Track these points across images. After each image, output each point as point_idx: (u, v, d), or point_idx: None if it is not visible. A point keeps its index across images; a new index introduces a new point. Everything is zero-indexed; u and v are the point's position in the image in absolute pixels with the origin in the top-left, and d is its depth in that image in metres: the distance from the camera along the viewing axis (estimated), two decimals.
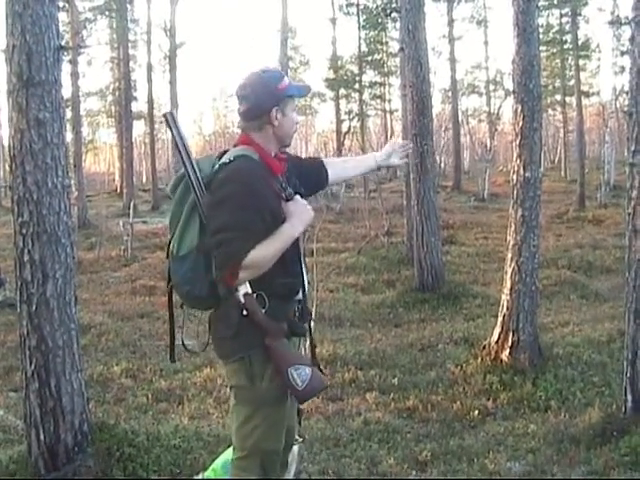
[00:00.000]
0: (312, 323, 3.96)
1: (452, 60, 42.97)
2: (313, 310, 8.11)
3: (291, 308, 3.72)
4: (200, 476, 4.75)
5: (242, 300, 3.49)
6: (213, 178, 3.56)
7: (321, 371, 3.78)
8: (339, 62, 50.13)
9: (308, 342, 4.09)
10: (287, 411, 3.75)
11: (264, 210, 3.51)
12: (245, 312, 3.49)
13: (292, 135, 3.84)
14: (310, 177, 4.08)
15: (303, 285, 3.82)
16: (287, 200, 3.65)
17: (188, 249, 3.55)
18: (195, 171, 3.56)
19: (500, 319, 8.22)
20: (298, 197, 3.69)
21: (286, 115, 3.73)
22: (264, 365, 3.57)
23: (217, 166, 3.62)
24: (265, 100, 3.67)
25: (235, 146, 3.76)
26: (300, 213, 3.63)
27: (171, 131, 3.60)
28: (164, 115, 3.66)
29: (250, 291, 3.50)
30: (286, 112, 3.72)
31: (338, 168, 4.34)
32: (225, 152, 3.78)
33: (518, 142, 8.06)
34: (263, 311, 3.51)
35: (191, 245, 3.54)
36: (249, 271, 3.44)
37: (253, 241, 3.42)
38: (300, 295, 3.78)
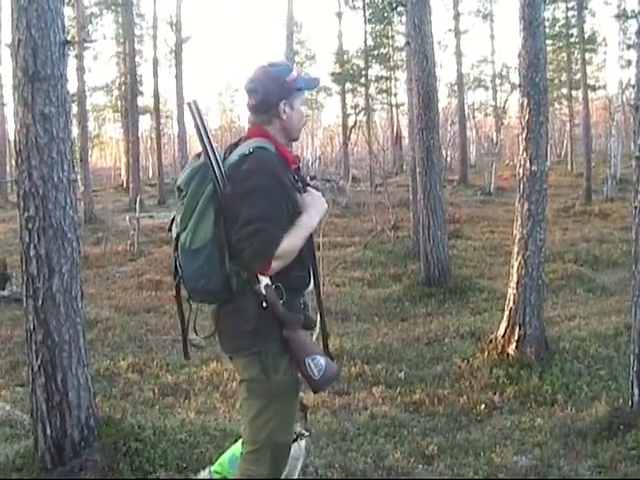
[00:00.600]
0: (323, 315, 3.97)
1: (458, 54, 42.91)
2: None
3: (299, 300, 3.73)
4: (207, 470, 4.76)
5: (264, 292, 3.49)
6: (234, 169, 3.55)
7: (332, 361, 3.78)
8: (345, 56, 50.18)
9: (316, 334, 4.10)
10: (298, 403, 3.77)
11: (287, 201, 3.54)
12: (265, 304, 3.49)
13: (300, 129, 3.85)
14: None
15: (316, 278, 3.84)
16: (301, 192, 3.67)
17: (202, 242, 3.51)
18: (218, 160, 3.55)
19: (506, 313, 8.21)
20: (312, 189, 3.72)
21: (294, 108, 3.73)
22: (279, 358, 3.58)
23: (237, 157, 3.59)
24: (273, 93, 3.67)
25: (248, 139, 3.73)
26: (316, 204, 3.67)
27: (194, 119, 3.59)
28: (188, 103, 3.66)
29: (270, 283, 3.50)
30: (294, 105, 3.72)
31: None
32: (236, 144, 3.77)
33: (524, 136, 8.04)
34: (281, 303, 3.52)
35: (205, 238, 3.51)
36: (281, 260, 3.46)
37: (283, 231, 3.45)
38: (310, 288, 3.79)
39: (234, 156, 3.61)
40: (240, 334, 3.63)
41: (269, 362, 3.57)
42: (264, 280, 3.49)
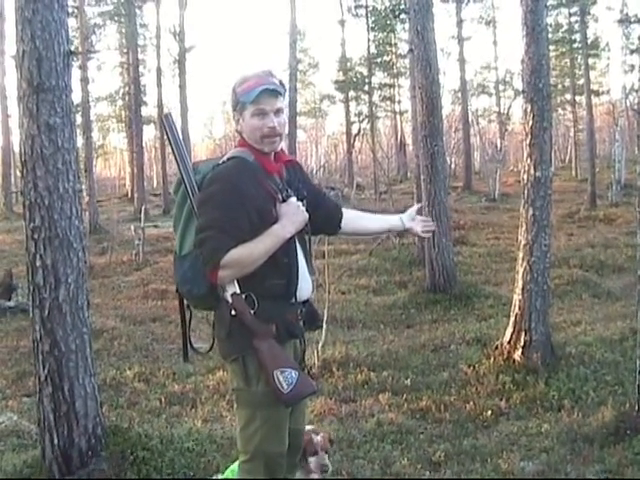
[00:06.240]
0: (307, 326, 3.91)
1: (461, 61, 42.92)
2: (325, 312, 8.13)
3: (290, 310, 3.68)
4: (214, 478, 4.77)
5: (230, 300, 3.50)
6: (206, 180, 3.59)
7: (310, 376, 3.76)
8: (348, 64, 50.37)
9: (321, 344, 4.08)
10: (288, 413, 3.70)
11: (250, 209, 3.49)
12: (234, 312, 3.49)
13: (261, 141, 3.64)
14: (319, 214, 3.97)
15: (309, 287, 3.82)
16: (283, 201, 3.63)
17: (189, 249, 3.58)
18: (189, 174, 3.59)
19: (512, 319, 8.20)
20: (292, 199, 3.65)
21: (244, 120, 3.65)
22: (259, 367, 3.54)
23: (211, 167, 3.64)
24: (231, 103, 3.70)
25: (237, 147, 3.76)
26: (292, 215, 3.60)
27: (166, 133, 3.62)
28: (162, 117, 3.68)
29: (238, 291, 3.50)
30: (244, 117, 3.64)
31: (356, 219, 4.29)
32: None
33: (528, 142, 8.04)
34: (252, 312, 3.50)
35: (192, 244, 3.56)
36: (231, 270, 3.43)
37: (234, 239, 3.41)
38: (301, 297, 3.74)
39: (210, 167, 3.66)
40: (220, 341, 3.69)
41: (249, 371, 3.58)
42: (231, 288, 3.49)
